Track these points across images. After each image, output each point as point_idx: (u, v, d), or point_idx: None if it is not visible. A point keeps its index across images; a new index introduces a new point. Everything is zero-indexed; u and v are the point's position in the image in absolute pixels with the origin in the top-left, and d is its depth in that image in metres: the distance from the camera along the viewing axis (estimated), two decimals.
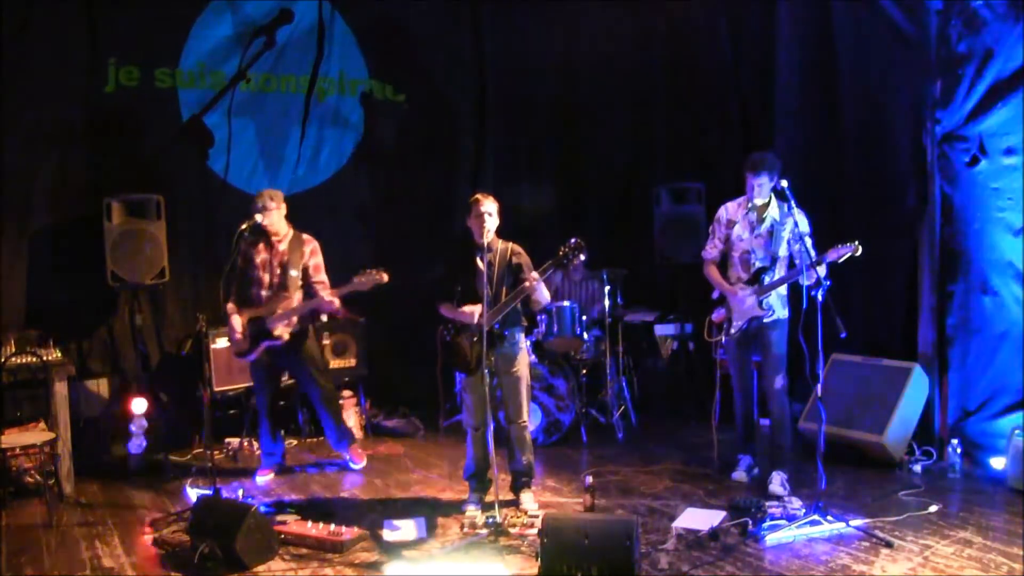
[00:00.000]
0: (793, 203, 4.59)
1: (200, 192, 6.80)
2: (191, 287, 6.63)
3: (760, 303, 4.96)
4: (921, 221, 5.58)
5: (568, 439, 6.26)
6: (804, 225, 4.76)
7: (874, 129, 6.09)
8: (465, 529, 4.55)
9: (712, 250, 5.22)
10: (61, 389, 5.34)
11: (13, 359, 5.29)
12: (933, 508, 4.65)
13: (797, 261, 4.90)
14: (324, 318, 6.58)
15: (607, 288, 6.49)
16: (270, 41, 6.92)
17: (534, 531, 4.35)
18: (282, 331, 5.32)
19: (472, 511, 4.76)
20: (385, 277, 5.13)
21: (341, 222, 7.29)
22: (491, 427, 4.41)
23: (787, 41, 6.74)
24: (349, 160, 7.39)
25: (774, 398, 5.04)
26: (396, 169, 7.60)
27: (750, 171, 4.92)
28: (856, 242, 4.57)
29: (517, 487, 4.91)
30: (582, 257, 4.51)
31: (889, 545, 4.17)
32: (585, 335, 6.41)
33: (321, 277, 5.45)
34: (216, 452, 5.95)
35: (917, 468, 5.31)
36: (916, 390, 5.43)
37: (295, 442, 6.42)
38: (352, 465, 5.75)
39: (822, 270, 4.50)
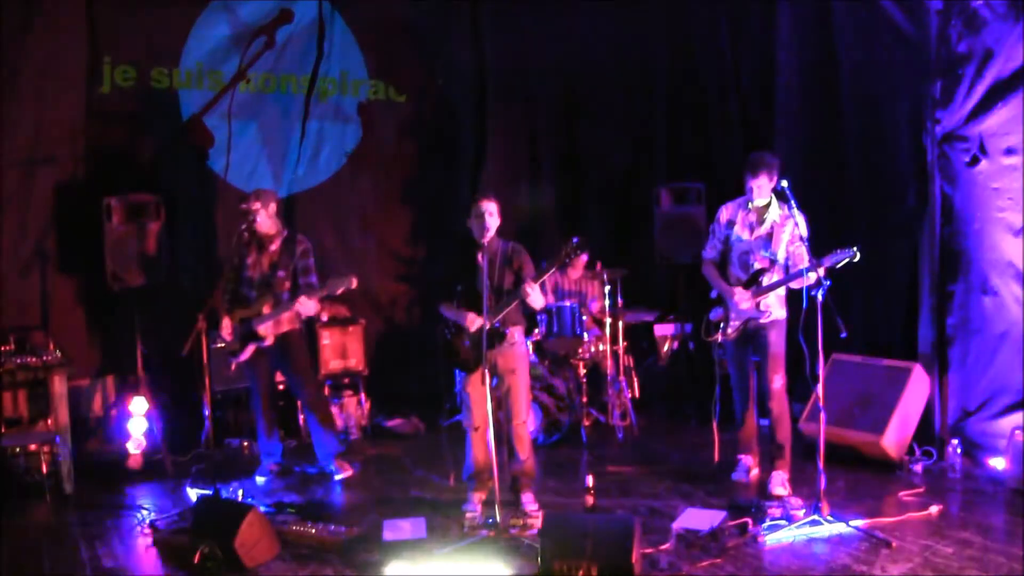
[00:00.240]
0: (794, 204, 4.58)
1: (200, 192, 6.80)
2: (191, 287, 6.62)
3: (757, 304, 4.96)
4: (921, 221, 5.58)
5: (568, 439, 6.26)
6: (803, 228, 4.75)
7: (874, 129, 6.09)
8: (465, 529, 4.55)
9: (711, 250, 5.22)
10: (61, 389, 5.34)
11: (13, 359, 5.29)
12: (933, 508, 4.64)
13: (791, 263, 4.90)
14: (324, 317, 6.61)
15: (607, 288, 6.50)
16: (270, 41, 6.92)
17: (534, 531, 4.36)
18: (266, 332, 5.26)
19: (472, 511, 4.76)
20: (354, 282, 5.11)
21: (341, 222, 7.30)
22: (491, 427, 4.40)
23: (787, 41, 6.74)
24: (349, 160, 7.38)
25: (773, 398, 5.03)
26: (396, 169, 7.60)
27: (749, 172, 4.92)
28: (855, 247, 4.51)
29: (517, 487, 4.90)
30: (584, 257, 4.51)
31: (889, 545, 4.17)
32: (585, 335, 6.41)
33: (310, 280, 5.34)
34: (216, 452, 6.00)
35: (917, 468, 5.31)
36: (916, 390, 5.42)
37: (295, 442, 6.41)
38: (335, 476, 5.53)
39: (816, 273, 4.47)
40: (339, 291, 5.18)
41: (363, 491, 5.38)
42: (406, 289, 7.63)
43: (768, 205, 4.99)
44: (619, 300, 6.65)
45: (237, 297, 5.40)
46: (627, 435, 6.43)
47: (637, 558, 3.79)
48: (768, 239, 4.97)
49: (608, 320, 6.54)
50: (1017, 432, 4.93)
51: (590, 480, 4.58)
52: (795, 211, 4.62)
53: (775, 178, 4.81)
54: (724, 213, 5.16)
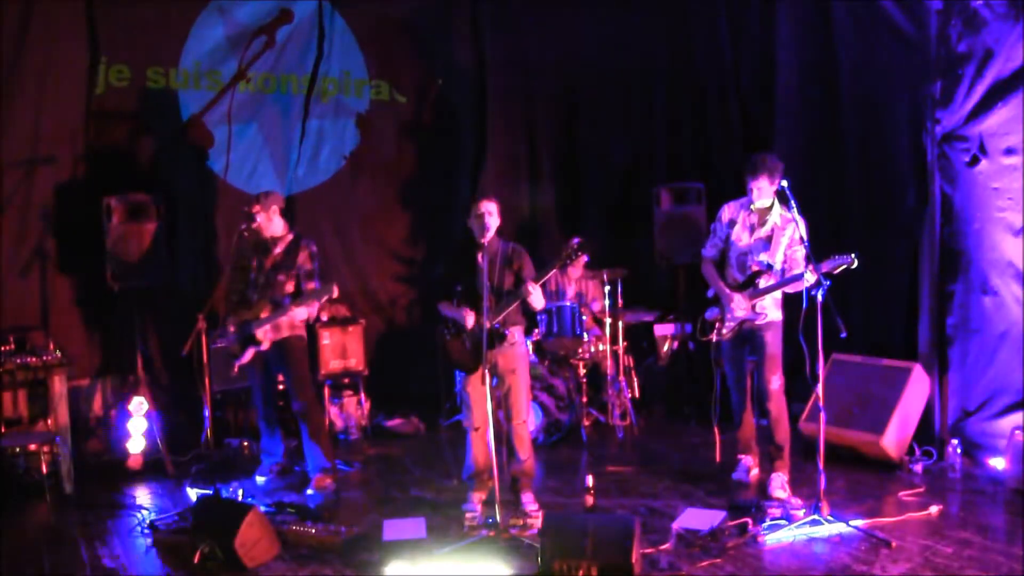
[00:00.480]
0: (795, 206, 4.57)
1: (200, 192, 6.80)
2: (191, 287, 6.63)
3: (753, 306, 4.96)
4: (921, 221, 5.58)
5: (568, 439, 6.27)
6: (802, 231, 4.74)
7: (874, 129, 6.09)
8: (465, 529, 4.55)
9: (711, 248, 5.22)
10: (61, 389, 5.34)
11: (13, 359, 5.29)
12: (933, 508, 4.64)
13: (788, 267, 4.89)
14: (324, 317, 6.61)
15: (606, 288, 6.50)
16: (270, 41, 6.92)
17: (534, 531, 4.36)
18: (263, 337, 5.19)
19: (472, 511, 4.76)
20: (335, 291, 5.06)
21: (341, 222, 7.29)
22: (491, 427, 4.40)
23: (787, 41, 6.74)
24: (349, 160, 7.38)
25: (771, 399, 5.03)
26: (396, 169, 7.60)
27: (749, 173, 4.91)
28: (853, 254, 4.50)
29: (517, 487, 4.90)
30: (585, 257, 4.51)
31: (889, 545, 4.17)
32: (585, 335, 6.41)
33: (311, 284, 5.28)
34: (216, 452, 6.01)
35: (917, 468, 5.31)
36: (916, 390, 5.42)
37: (295, 442, 6.41)
38: (306, 490, 5.28)
39: (813, 277, 4.47)
40: (317, 303, 5.17)
41: (363, 491, 5.38)
42: (406, 289, 7.64)
43: (771, 207, 4.98)
44: (619, 300, 6.65)
45: (243, 298, 5.36)
46: (627, 435, 6.43)
47: (637, 558, 3.79)
48: (767, 241, 4.97)
49: (608, 320, 6.55)
50: (1017, 432, 4.93)
51: (590, 480, 4.58)
52: (796, 213, 4.61)
53: (776, 180, 4.80)
54: (726, 212, 5.16)
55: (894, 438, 5.33)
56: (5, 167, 6.04)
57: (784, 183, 4.57)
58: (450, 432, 6.45)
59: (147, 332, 6.41)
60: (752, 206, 5.02)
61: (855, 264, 4.50)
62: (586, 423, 6.43)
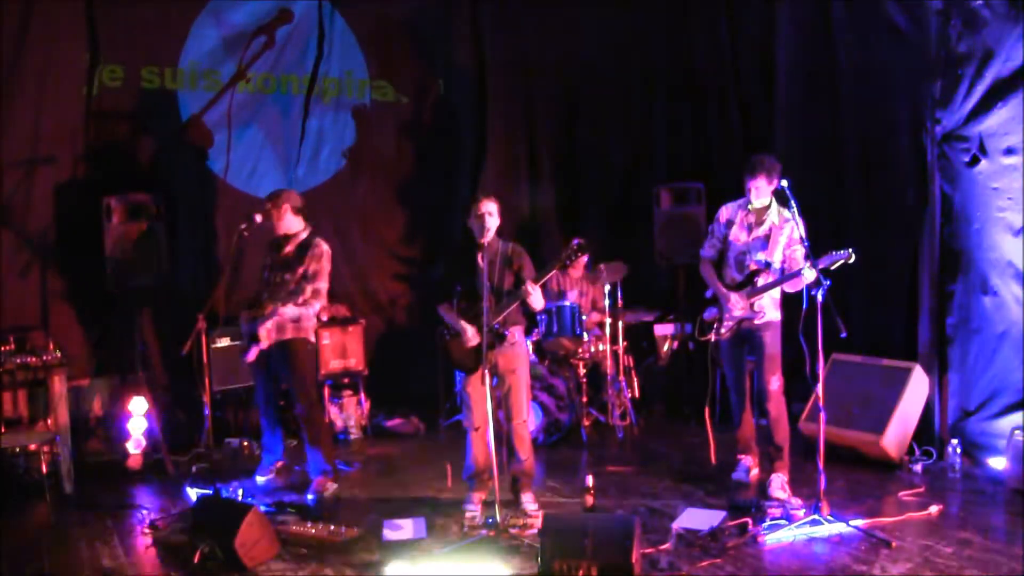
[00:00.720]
0: (794, 205, 4.57)
1: (200, 192, 6.79)
2: (191, 287, 6.62)
3: (752, 305, 4.96)
4: (921, 221, 5.59)
5: (568, 439, 6.27)
6: (801, 230, 4.74)
7: (874, 129, 6.09)
8: (465, 529, 4.55)
9: (710, 249, 5.22)
10: (61, 389, 5.34)
11: (13, 359, 5.29)
12: (933, 508, 4.65)
13: (787, 266, 4.89)
14: (324, 317, 6.61)
15: (606, 288, 6.50)
16: (270, 41, 6.92)
17: (534, 531, 4.36)
18: (264, 336, 5.15)
19: (472, 511, 4.76)
20: (316, 305, 5.19)
21: (341, 222, 7.29)
22: (491, 427, 4.41)
23: (787, 41, 6.74)
24: (349, 160, 7.38)
25: (771, 399, 5.03)
26: (396, 169, 7.60)
27: (747, 173, 4.92)
28: (850, 249, 4.51)
29: (517, 487, 4.90)
30: (584, 258, 4.51)
31: (889, 545, 4.17)
32: (585, 335, 6.41)
33: (317, 285, 5.24)
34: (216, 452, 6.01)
35: (917, 468, 5.31)
36: (916, 390, 5.42)
37: (295, 442, 6.41)
38: (307, 493, 5.25)
39: (812, 274, 4.47)
40: (310, 306, 5.22)
41: (363, 491, 5.38)
42: (406, 289, 7.63)
43: (768, 207, 4.99)
44: (619, 300, 6.65)
45: (257, 296, 5.37)
46: (627, 435, 6.43)
47: (637, 558, 3.79)
48: (765, 240, 4.97)
49: (608, 320, 6.54)
50: (1017, 432, 4.93)
51: (590, 480, 4.58)
52: (794, 212, 4.61)
53: (775, 180, 4.81)
54: (724, 213, 5.17)
55: (894, 438, 5.33)
56: (5, 167, 6.04)
57: (784, 183, 4.57)
58: (450, 432, 6.45)
59: (147, 332, 6.41)
60: (750, 206, 5.03)
61: (852, 259, 4.51)
62: (586, 423, 6.43)
